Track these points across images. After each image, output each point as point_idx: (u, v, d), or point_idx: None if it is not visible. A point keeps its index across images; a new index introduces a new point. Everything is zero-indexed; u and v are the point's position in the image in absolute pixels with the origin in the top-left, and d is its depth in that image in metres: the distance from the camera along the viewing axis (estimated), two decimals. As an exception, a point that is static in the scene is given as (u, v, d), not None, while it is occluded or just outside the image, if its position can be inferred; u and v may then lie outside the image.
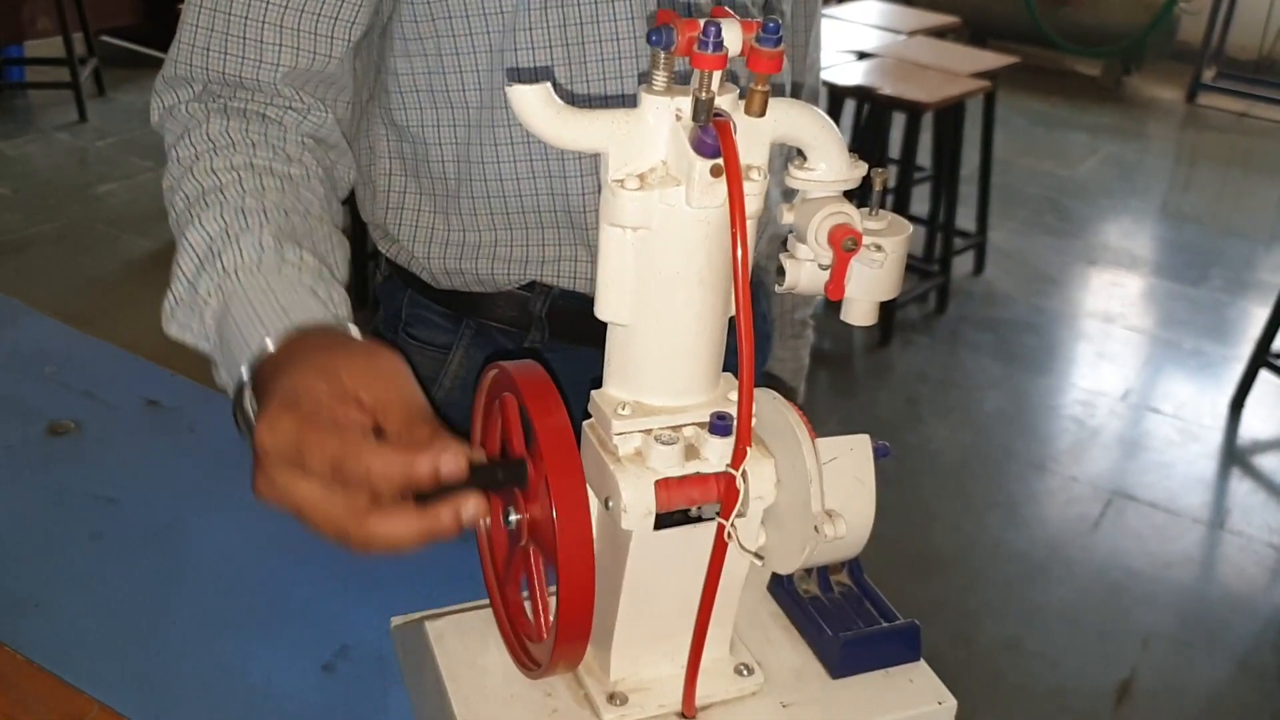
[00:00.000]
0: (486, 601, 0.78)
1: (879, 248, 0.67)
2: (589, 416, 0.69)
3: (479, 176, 0.98)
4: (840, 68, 3.67)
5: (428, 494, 0.63)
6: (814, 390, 3.35)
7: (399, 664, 0.85)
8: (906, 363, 3.64)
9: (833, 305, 0.69)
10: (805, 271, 0.69)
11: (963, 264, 4.13)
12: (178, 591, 0.91)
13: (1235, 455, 3.30)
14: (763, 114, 0.62)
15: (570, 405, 0.65)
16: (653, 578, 0.69)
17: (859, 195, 0.69)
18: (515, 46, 0.92)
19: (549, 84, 0.62)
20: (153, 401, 1.13)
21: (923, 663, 0.78)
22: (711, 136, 0.59)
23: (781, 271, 0.69)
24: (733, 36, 0.60)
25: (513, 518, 0.71)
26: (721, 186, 0.60)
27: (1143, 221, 4.92)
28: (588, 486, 0.66)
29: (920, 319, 3.87)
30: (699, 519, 0.66)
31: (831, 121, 0.67)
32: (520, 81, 0.62)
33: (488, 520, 0.77)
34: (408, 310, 1.11)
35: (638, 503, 0.64)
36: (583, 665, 0.71)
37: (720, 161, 0.60)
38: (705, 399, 0.68)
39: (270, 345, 0.71)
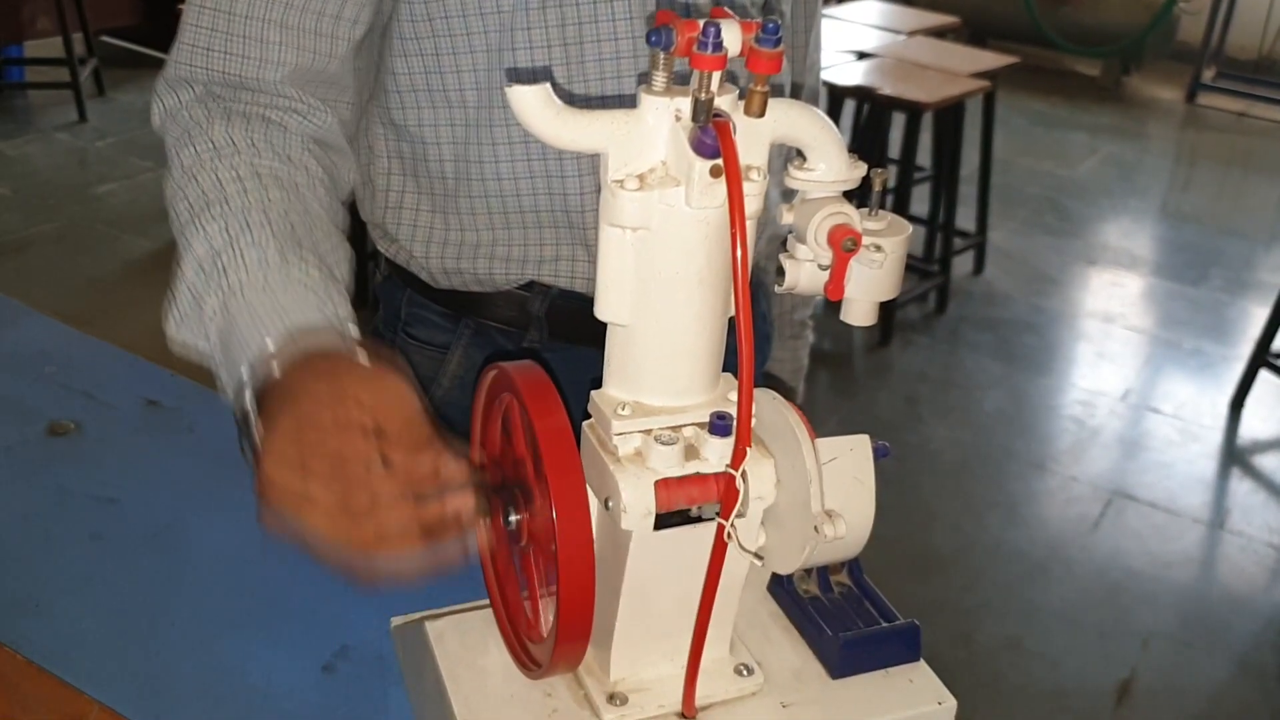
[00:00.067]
0: (486, 601, 0.78)
1: (878, 248, 0.67)
2: (588, 416, 0.69)
3: (477, 176, 0.98)
4: (840, 68, 3.67)
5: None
6: (814, 390, 3.35)
7: (399, 664, 0.85)
8: (906, 363, 3.64)
9: (832, 305, 0.69)
10: (805, 272, 0.69)
11: (963, 264, 4.13)
12: (178, 591, 0.91)
13: (1235, 455, 3.30)
14: (762, 114, 0.62)
15: (569, 405, 0.65)
16: (653, 578, 0.69)
17: (859, 195, 0.69)
18: (513, 46, 0.92)
19: (548, 84, 0.62)
20: (153, 402, 1.13)
21: (923, 663, 0.78)
22: (711, 137, 0.59)
23: (781, 272, 0.69)
24: (732, 37, 0.60)
25: (513, 518, 0.71)
26: (721, 187, 0.60)
27: (1142, 221, 4.92)
28: (588, 487, 0.66)
29: (920, 319, 3.87)
30: (699, 519, 0.66)
31: (831, 122, 0.67)
32: (519, 82, 0.62)
33: (488, 521, 0.77)
34: (407, 310, 1.11)
35: (637, 503, 0.64)
36: (583, 665, 0.71)
37: (720, 162, 0.60)
38: (705, 399, 0.68)
39: (270, 347, 0.71)
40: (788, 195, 0.70)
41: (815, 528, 0.66)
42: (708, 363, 0.67)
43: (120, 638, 0.86)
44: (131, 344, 1.22)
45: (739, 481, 0.63)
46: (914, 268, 3.84)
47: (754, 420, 0.64)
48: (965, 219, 4.00)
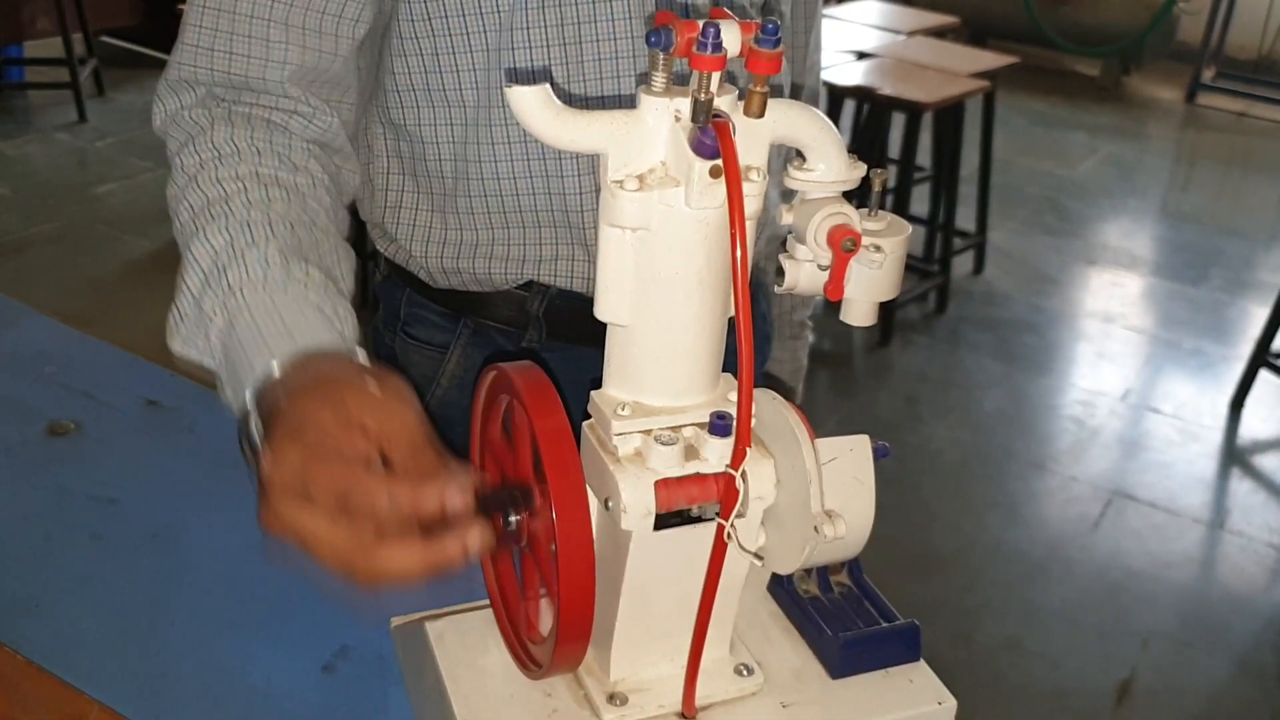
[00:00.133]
0: (486, 602, 0.78)
1: (878, 248, 0.67)
2: (587, 417, 0.69)
3: (476, 175, 0.98)
4: (840, 68, 3.67)
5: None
6: (814, 390, 3.35)
7: (399, 664, 0.85)
8: (906, 363, 3.64)
9: (832, 305, 0.69)
10: (804, 272, 0.69)
11: (963, 264, 4.13)
12: (178, 591, 0.91)
13: (1235, 455, 3.30)
14: (761, 115, 0.62)
15: (568, 405, 0.65)
16: (652, 578, 0.69)
17: (858, 196, 0.69)
18: (512, 46, 0.92)
19: (548, 85, 0.62)
20: (153, 402, 1.13)
21: (922, 663, 0.78)
22: (710, 137, 0.59)
23: (781, 272, 0.69)
24: (731, 38, 0.60)
25: (513, 519, 0.71)
26: (720, 187, 0.60)
27: (1142, 221, 4.92)
28: (588, 487, 0.66)
29: (920, 319, 3.87)
30: (699, 519, 0.66)
31: (830, 122, 0.67)
32: (518, 82, 0.62)
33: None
34: (406, 309, 1.11)
35: (637, 503, 0.64)
36: (583, 665, 0.71)
37: (719, 162, 0.60)
38: (705, 399, 0.68)
39: (275, 371, 0.70)
40: (787, 195, 0.70)
41: (815, 528, 0.66)
42: (707, 363, 0.67)
43: (120, 638, 0.86)
44: (131, 344, 1.22)
45: (739, 482, 0.63)
46: (914, 268, 3.85)
47: (754, 420, 0.64)
48: (965, 219, 4.00)
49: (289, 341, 0.72)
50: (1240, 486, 3.15)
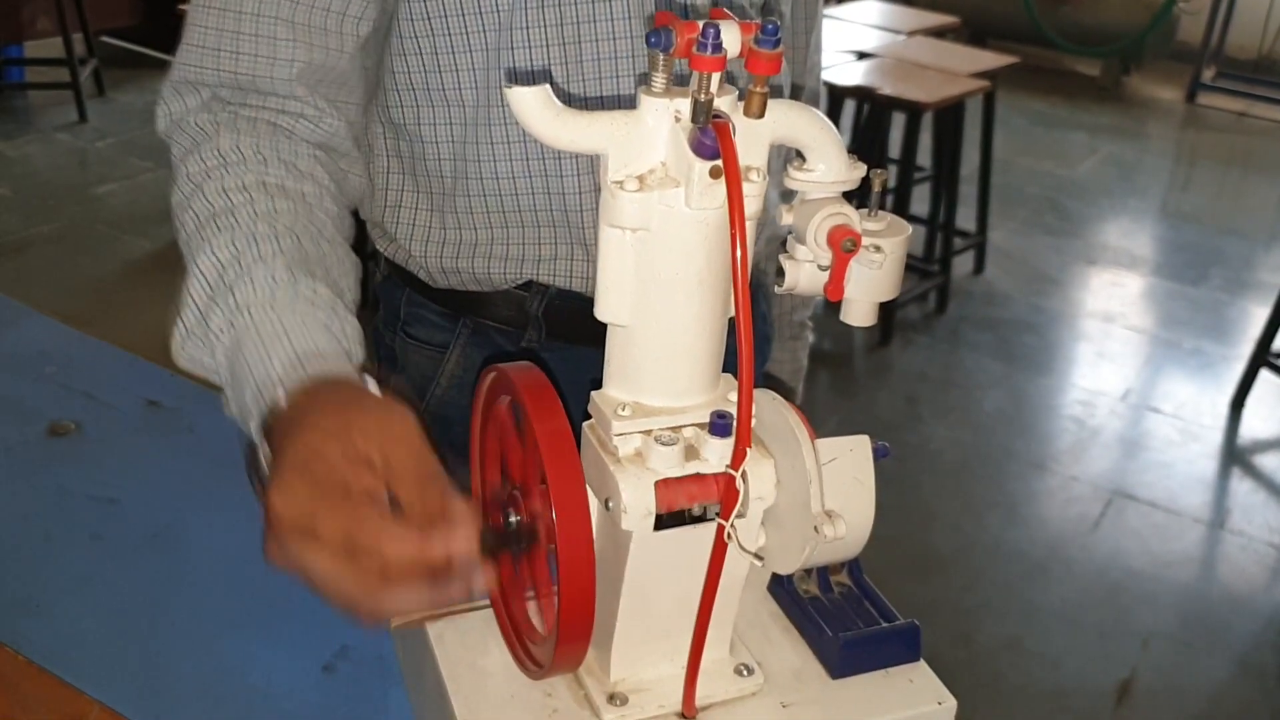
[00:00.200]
0: (486, 602, 0.78)
1: (878, 249, 0.67)
2: (587, 416, 0.69)
3: (475, 175, 0.98)
4: (840, 68, 3.67)
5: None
6: (814, 390, 3.35)
7: (399, 664, 0.85)
8: (906, 363, 3.64)
9: (832, 306, 0.69)
10: (804, 272, 0.69)
11: (963, 264, 4.14)
12: (178, 591, 0.91)
13: (1235, 455, 3.30)
14: (761, 115, 0.62)
15: (568, 405, 0.65)
16: (653, 578, 0.69)
17: (858, 196, 0.69)
18: (511, 45, 0.92)
19: (548, 85, 0.62)
20: (153, 402, 1.13)
21: (922, 663, 0.78)
22: (710, 138, 0.59)
23: (781, 272, 0.69)
24: (731, 38, 0.60)
25: (513, 519, 0.71)
26: (721, 188, 0.60)
27: (1142, 221, 4.92)
28: (588, 487, 0.66)
29: (920, 319, 3.87)
30: (699, 520, 0.66)
31: (830, 123, 0.67)
32: (517, 82, 0.62)
33: (489, 523, 0.77)
34: (406, 309, 1.11)
35: (638, 503, 0.64)
36: (583, 666, 0.71)
37: (719, 163, 0.60)
38: (705, 400, 0.68)
39: (282, 401, 0.70)
40: (787, 196, 0.70)
41: (815, 528, 0.66)
42: (708, 363, 0.67)
43: (120, 638, 0.86)
44: (131, 344, 1.22)
45: (739, 482, 0.63)
46: (914, 268, 3.85)
47: (754, 421, 0.64)
48: (965, 219, 4.00)
49: (296, 365, 0.72)
50: (1240, 486, 3.16)
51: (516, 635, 0.74)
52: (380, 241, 1.10)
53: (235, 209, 0.81)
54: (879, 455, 0.73)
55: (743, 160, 0.61)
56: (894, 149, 3.85)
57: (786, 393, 1.21)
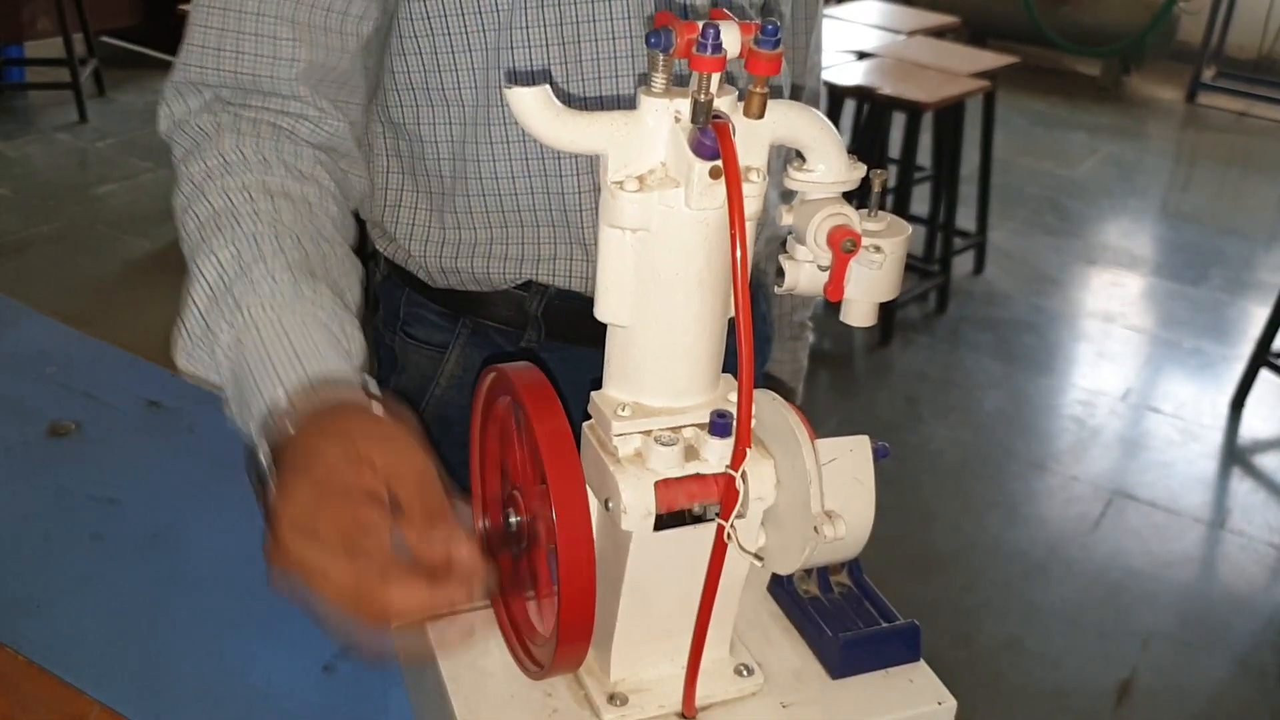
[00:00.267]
0: (487, 602, 0.78)
1: (878, 249, 0.67)
2: (586, 417, 0.69)
3: (474, 175, 0.98)
4: (840, 68, 3.67)
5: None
6: (814, 390, 3.35)
7: (399, 664, 0.85)
8: (906, 363, 3.64)
9: (832, 306, 0.70)
10: (804, 273, 0.69)
11: (963, 264, 4.14)
12: (178, 591, 0.91)
13: (1235, 455, 3.30)
14: (761, 116, 0.62)
15: (567, 406, 0.65)
16: (653, 578, 0.69)
17: (858, 196, 0.69)
18: (511, 45, 0.92)
19: (547, 86, 0.62)
20: (153, 402, 1.13)
21: (922, 663, 0.78)
22: (710, 138, 0.60)
23: (781, 273, 0.69)
24: (731, 39, 0.60)
25: (514, 520, 0.71)
26: (720, 188, 0.61)
27: (1142, 221, 4.92)
28: (588, 488, 0.66)
29: (920, 319, 3.87)
30: (699, 520, 0.66)
31: (830, 123, 0.67)
32: (517, 82, 0.62)
33: (488, 523, 0.78)
34: (405, 309, 1.11)
35: (637, 504, 0.64)
36: (583, 666, 0.71)
37: (719, 163, 0.60)
38: (705, 400, 0.68)
39: (283, 402, 0.70)
40: (787, 196, 0.70)
41: (815, 528, 0.66)
42: (707, 364, 0.67)
43: (120, 638, 0.86)
44: (131, 344, 1.22)
45: (739, 482, 0.63)
46: (914, 268, 3.85)
47: (754, 421, 0.64)
48: (965, 219, 4.00)
49: (297, 367, 0.72)
50: (1240, 486, 3.16)
51: (517, 635, 0.74)
52: (380, 241, 1.10)
53: (236, 211, 0.81)
54: (879, 455, 0.73)
55: (742, 160, 0.61)
56: (894, 149, 3.85)
57: (787, 393, 1.21)
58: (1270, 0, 6.49)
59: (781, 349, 1.35)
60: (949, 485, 3.04)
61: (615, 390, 0.68)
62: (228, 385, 0.76)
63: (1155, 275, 4.36)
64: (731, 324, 0.63)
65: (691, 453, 0.65)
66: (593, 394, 0.69)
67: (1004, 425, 3.32)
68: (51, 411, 1.10)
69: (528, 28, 0.92)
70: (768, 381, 1.35)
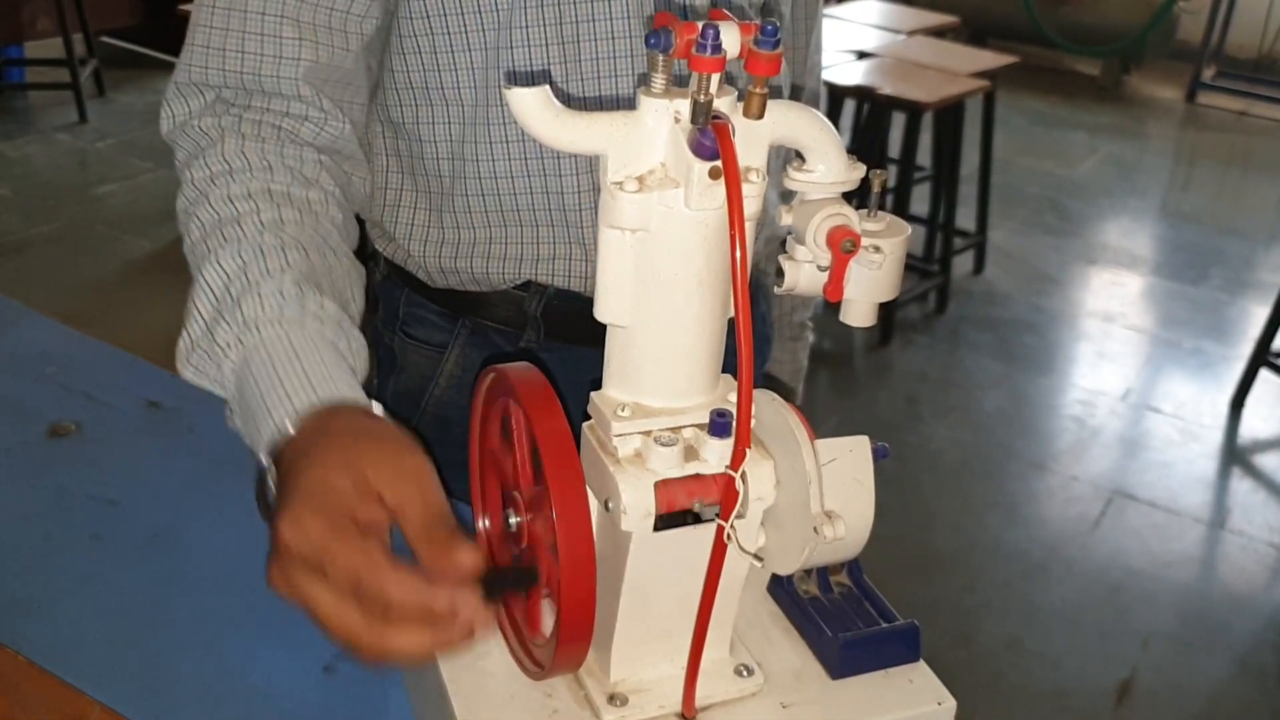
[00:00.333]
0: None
1: (877, 249, 0.67)
2: (586, 417, 0.69)
3: (473, 174, 0.98)
4: (840, 67, 3.67)
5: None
6: (814, 390, 3.36)
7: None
8: (906, 362, 3.64)
9: (832, 306, 0.70)
10: (804, 273, 0.69)
11: (963, 264, 4.14)
12: (178, 592, 0.91)
13: (1235, 454, 3.30)
14: (761, 116, 0.62)
15: (567, 406, 0.65)
16: (653, 579, 0.69)
17: (858, 196, 0.69)
18: (511, 45, 0.92)
19: (547, 86, 0.62)
20: (153, 403, 1.13)
21: (922, 663, 0.78)
22: (710, 139, 0.60)
23: (780, 273, 0.69)
24: (731, 39, 0.60)
25: (514, 521, 0.71)
26: (720, 188, 0.61)
27: (1142, 221, 4.92)
28: (588, 488, 0.66)
29: (920, 319, 3.87)
30: (699, 520, 0.66)
31: (829, 123, 0.67)
32: (516, 82, 0.62)
33: (488, 523, 0.78)
34: (405, 309, 1.11)
35: (637, 504, 0.64)
36: (583, 666, 0.72)
37: (719, 164, 0.60)
38: (705, 400, 0.68)
39: (291, 429, 0.70)
40: (787, 197, 0.70)
41: (815, 529, 0.66)
42: (707, 364, 0.67)
43: (120, 638, 0.86)
44: (131, 344, 1.22)
45: (738, 483, 0.63)
46: (914, 267, 3.85)
47: (753, 421, 0.64)
48: (965, 219, 4.01)
49: (308, 390, 0.72)
50: (1240, 486, 3.16)
51: (517, 636, 0.74)
52: (379, 241, 1.10)
53: (241, 218, 0.81)
54: (879, 456, 0.73)
55: (742, 161, 0.61)
56: (894, 149, 3.85)
57: (786, 393, 1.21)
58: (1270, 0, 6.49)
59: (782, 349, 1.35)
60: (949, 485, 3.05)
61: (615, 391, 0.68)
62: (233, 400, 0.76)
63: (1155, 275, 4.36)
64: (731, 324, 0.63)
65: (691, 453, 0.65)
66: (592, 394, 0.69)
67: (1004, 425, 3.32)
68: (51, 412, 1.10)
69: (527, 27, 0.92)
70: (768, 382, 1.35)
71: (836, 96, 3.63)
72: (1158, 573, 2.75)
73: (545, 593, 0.71)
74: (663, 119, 0.62)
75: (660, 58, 0.61)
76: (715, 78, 0.60)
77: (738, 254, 0.59)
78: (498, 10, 0.92)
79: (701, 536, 0.66)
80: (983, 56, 4.06)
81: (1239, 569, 2.82)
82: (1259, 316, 3.77)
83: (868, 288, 0.68)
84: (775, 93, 0.72)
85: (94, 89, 5.06)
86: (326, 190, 0.87)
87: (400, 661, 0.63)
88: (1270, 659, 2.53)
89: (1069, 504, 3.00)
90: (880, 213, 0.70)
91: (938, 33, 4.28)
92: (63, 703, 0.80)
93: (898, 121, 3.66)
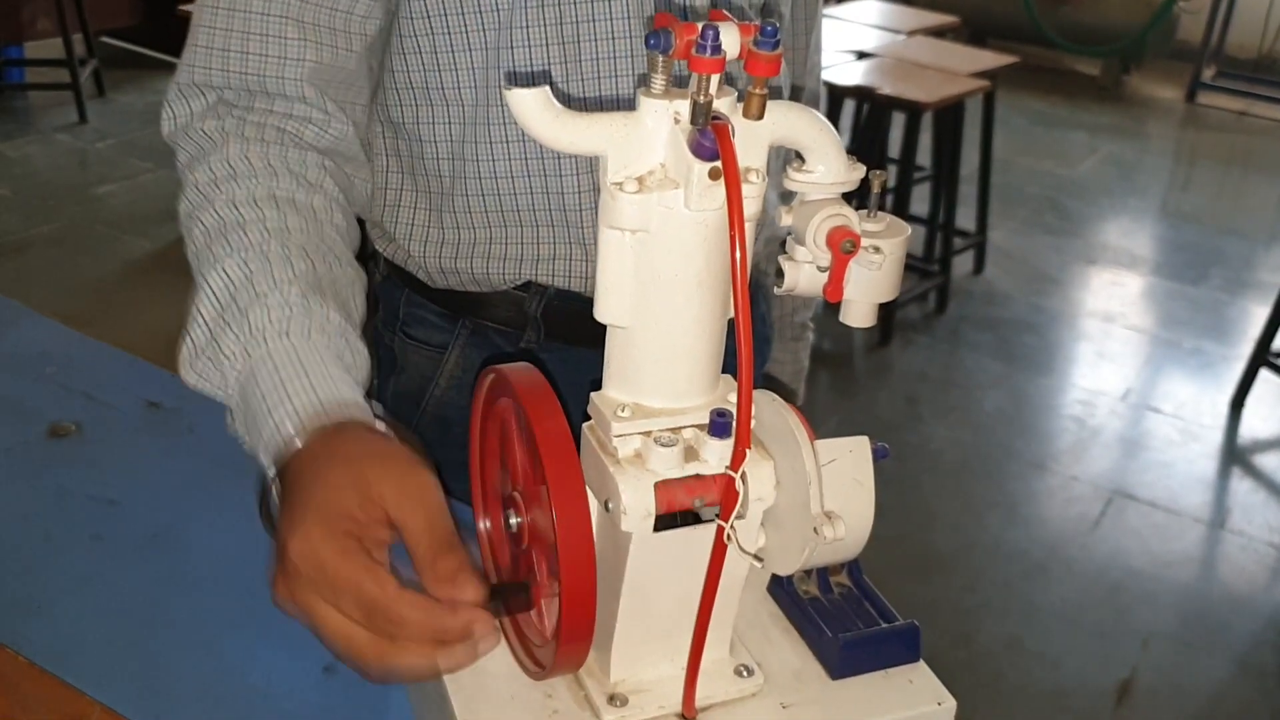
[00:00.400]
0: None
1: (877, 249, 0.67)
2: (586, 418, 0.69)
3: (473, 175, 0.98)
4: (840, 68, 3.67)
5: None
6: (814, 390, 3.35)
7: (399, 665, 0.85)
8: (906, 363, 3.64)
9: (832, 306, 0.70)
10: (804, 273, 0.69)
11: (963, 264, 4.14)
12: (178, 592, 0.91)
13: (1235, 454, 3.30)
14: (761, 117, 0.62)
15: (567, 406, 0.65)
16: (653, 579, 0.69)
17: (858, 197, 0.69)
18: (511, 45, 0.92)
19: (547, 87, 0.62)
20: (153, 403, 1.13)
21: (922, 663, 0.78)
22: (710, 139, 0.60)
23: (780, 274, 0.69)
24: (730, 40, 0.60)
25: (514, 521, 0.71)
26: (720, 189, 0.61)
27: (1142, 221, 4.92)
28: (588, 489, 0.66)
29: (920, 319, 3.87)
30: (699, 521, 0.66)
31: (829, 124, 0.67)
32: (516, 83, 0.62)
33: (488, 523, 0.78)
34: (405, 310, 1.11)
35: (637, 505, 0.64)
36: (583, 666, 0.72)
37: (719, 164, 0.60)
38: (705, 401, 0.68)
39: (297, 442, 0.70)
40: (786, 197, 0.70)
41: (815, 529, 0.66)
42: (707, 364, 0.67)
43: (120, 638, 0.86)
44: (131, 344, 1.22)
45: (738, 483, 0.64)
46: (914, 267, 3.85)
47: (753, 422, 0.64)
48: (965, 219, 4.01)
49: (313, 400, 0.72)
50: (1240, 486, 3.16)
51: (517, 636, 0.74)
52: (379, 241, 1.10)
53: (246, 224, 0.81)
54: (879, 456, 0.73)
55: (742, 162, 0.61)
56: (894, 149, 3.85)
57: (787, 394, 1.21)
58: (1270, 0, 6.49)
59: (782, 350, 1.35)
60: (949, 485, 3.05)
61: (615, 391, 0.68)
62: (235, 406, 0.76)
63: (1155, 275, 4.36)
64: (731, 325, 0.63)
65: (691, 453, 0.65)
66: (592, 395, 0.69)
67: (1004, 425, 3.32)
68: (51, 412, 1.10)
69: (528, 27, 0.92)
70: (768, 382, 1.35)
71: (836, 96, 3.63)
72: (1158, 573, 2.75)
73: (546, 593, 0.71)
74: (662, 120, 0.62)
75: (660, 58, 0.61)
76: (715, 78, 0.60)
77: (737, 255, 0.59)
78: (498, 10, 0.92)
79: (701, 537, 0.66)
80: (983, 56, 4.06)
81: (1239, 569, 2.82)
82: (1259, 316, 3.77)
83: (868, 288, 0.68)
84: (775, 93, 0.72)
85: (94, 89, 5.06)
86: (330, 195, 0.87)
87: (405, 679, 0.63)
88: (1270, 659, 2.53)
89: (1069, 504, 3.00)
90: (880, 213, 0.70)
91: (938, 33, 4.28)
92: (63, 703, 0.80)
93: (897, 122, 3.67)
